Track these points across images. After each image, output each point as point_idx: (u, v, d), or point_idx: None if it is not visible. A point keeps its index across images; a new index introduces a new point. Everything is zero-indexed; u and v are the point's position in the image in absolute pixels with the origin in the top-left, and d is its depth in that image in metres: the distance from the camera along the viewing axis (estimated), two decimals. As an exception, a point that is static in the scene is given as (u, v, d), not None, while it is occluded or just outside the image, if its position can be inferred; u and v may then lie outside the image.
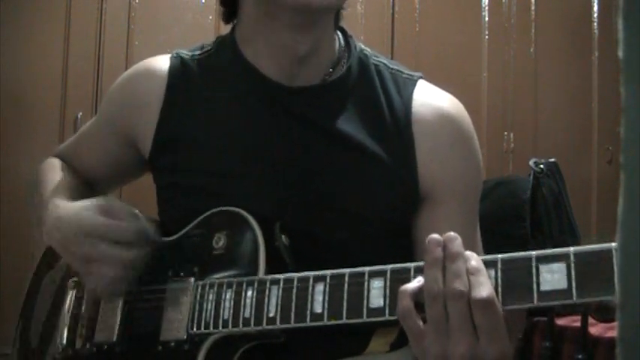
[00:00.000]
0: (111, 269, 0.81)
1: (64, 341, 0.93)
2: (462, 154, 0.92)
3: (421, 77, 0.96)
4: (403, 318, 0.66)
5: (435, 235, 0.67)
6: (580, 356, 1.60)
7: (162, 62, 0.98)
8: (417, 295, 0.66)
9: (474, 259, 0.66)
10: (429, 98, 0.94)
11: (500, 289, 0.65)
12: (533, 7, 3.13)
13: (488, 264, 0.66)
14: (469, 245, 0.92)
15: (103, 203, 0.85)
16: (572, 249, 0.63)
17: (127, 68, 1.04)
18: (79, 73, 2.67)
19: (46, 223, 0.90)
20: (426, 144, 0.91)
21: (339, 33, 0.97)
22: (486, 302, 0.63)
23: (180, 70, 0.96)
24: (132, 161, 1.02)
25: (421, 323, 0.65)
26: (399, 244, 0.93)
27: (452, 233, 0.67)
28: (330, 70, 0.93)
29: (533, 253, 0.64)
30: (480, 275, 0.64)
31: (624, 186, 0.28)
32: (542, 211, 1.17)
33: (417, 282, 0.67)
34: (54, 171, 1.04)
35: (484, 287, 0.63)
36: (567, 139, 3.10)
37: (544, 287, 0.62)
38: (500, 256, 0.66)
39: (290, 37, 0.87)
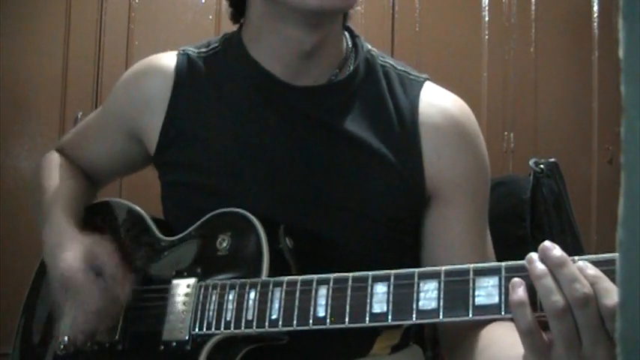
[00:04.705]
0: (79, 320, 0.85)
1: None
2: (469, 154, 0.92)
3: (427, 79, 0.97)
4: (529, 333, 0.59)
5: (531, 255, 0.61)
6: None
7: (169, 59, 0.98)
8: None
9: (590, 267, 0.59)
10: (435, 99, 0.94)
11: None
12: (533, 7, 3.12)
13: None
14: (480, 243, 0.92)
15: (94, 257, 0.86)
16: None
17: (127, 68, 1.04)
18: (79, 73, 2.67)
19: (44, 241, 0.92)
20: (432, 144, 0.91)
21: (346, 33, 0.97)
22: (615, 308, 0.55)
23: (186, 67, 0.97)
24: (136, 155, 1.03)
25: (546, 337, 0.60)
26: (404, 243, 0.93)
27: (547, 242, 0.61)
28: (337, 70, 0.93)
29: None
30: (603, 281, 0.57)
31: (624, 186, 0.28)
32: (542, 211, 1.17)
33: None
34: (55, 172, 1.05)
35: (613, 292, 0.56)
36: (567, 139, 3.09)
37: None
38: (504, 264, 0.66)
39: (297, 34, 0.88)
